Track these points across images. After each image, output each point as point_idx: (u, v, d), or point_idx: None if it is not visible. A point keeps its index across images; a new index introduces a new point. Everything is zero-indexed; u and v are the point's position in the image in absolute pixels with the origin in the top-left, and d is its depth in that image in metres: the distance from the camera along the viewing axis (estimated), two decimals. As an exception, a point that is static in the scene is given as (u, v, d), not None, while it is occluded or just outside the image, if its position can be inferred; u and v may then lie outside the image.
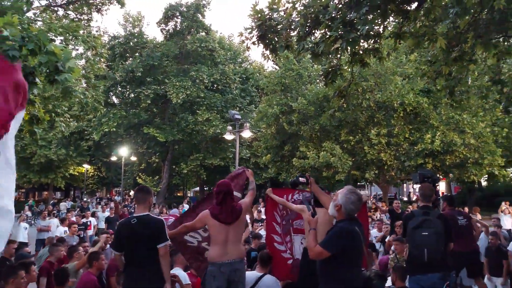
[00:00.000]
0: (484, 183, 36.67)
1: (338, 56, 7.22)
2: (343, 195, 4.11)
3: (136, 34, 36.68)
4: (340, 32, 6.01)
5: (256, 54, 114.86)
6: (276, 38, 6.95)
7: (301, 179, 5.13)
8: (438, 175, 22.81)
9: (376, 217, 14.14)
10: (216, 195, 5.33)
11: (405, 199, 44.95)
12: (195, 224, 5.43)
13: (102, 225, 17.46)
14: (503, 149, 22.70)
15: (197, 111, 33.75)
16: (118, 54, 35.65)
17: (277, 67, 33.58)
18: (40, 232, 14.63)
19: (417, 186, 47.30)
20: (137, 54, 35.94)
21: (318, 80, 28.84)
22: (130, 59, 36.20)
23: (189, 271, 6.76)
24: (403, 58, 23.06)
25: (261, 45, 6.99)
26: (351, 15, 6.12)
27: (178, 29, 36.48)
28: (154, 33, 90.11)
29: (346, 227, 4.03)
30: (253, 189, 5.86)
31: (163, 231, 5.06)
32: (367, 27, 5.84)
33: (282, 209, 6.43)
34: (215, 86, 36.25)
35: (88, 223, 15.57)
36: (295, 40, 6.69)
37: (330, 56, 6.61)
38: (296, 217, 6.40)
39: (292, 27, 6.92)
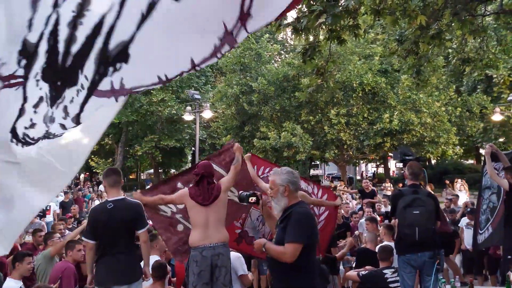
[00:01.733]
0: (433, 161, 37.92)
1: (317, 32, 7.02)
2: (281, 174, 3.69)
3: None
4: (323, 7, 5.81)
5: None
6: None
7: (251, 198, 4.21)
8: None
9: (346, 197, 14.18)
10: (195, 175, 5.09)
11: (358, 177, 45.84)
12: (173, 199, 5.18)
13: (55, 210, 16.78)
14: (456, 128, 23.41)
15: (151, 91, 32.80)
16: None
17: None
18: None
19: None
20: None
21: (274, 60, 28.73)
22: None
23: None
24: (360, 38, 23.14)
25: None
26: (334, -11, 5.91)
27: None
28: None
29: (308, 212, 3.69)
30: (235, 165, 5.41)
31: (143, 215, 4.79)
32: (353, 1, 5.66)
33: (253, 179, 6.21)
34: (170, 65, 35.30)
35: (48, 208, 14.78)
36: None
37: (311, 31, 6.40)
38: (263, 192, 6.23)
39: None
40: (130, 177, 50.06)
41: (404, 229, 5.33)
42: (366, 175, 44.39)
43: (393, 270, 5.80)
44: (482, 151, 34.51)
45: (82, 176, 52.98)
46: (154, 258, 5.81)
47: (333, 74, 19.57)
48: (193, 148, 36.05)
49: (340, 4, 5.82)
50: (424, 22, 6.57)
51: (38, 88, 1.94)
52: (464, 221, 9.20)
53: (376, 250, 6.22)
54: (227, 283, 4.98)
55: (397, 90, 21.96)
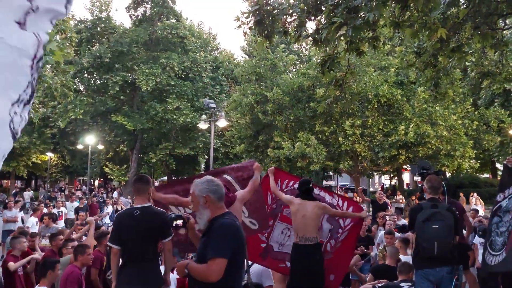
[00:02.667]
0: (448, 174, 37.52)
1: (335, 44, 7.05)
2: (200, 185, 3.40)
3: (103, 19, 35.55)
4: (344, 19, 5.83)
5: (226, 42, 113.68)
6: (272, 24, 6.72)
7: (176, 222, 3.98)
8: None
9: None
10: None
11: (372, 189, 45.60)
12: (188, 202, 5.05)
13: (71, 216, 17.00)
14: (472, 142, 23.16)
15: (167, 99, 33.11)
16: (84, 39, 34.46)
17: (247, 57, 33.29)
18: (6, 223, 14.01)
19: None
20: (104, 39, 34.86)
21: (288, 71, 28.76)
22: (97, 44, 35.10)
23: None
24: (378, 50, 23.07)
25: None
26: (355, 1, 5.92)
27: (147, 15, 35.57)
28: (122, 19, 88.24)
29: (232, 223, 3.29)
30: (254, 180, 5.43)
31: (168, 223, 4.78)
32: (374, 13, 5.66)
33: (274, 192, 6.28)
34: (185, 74, 35.67)
35: (60, 213, 14.94)
36: (295, 26, 6.47)
37: (330, 43, 6.42)
38: (287, 205, 6.27)
39: (290, 12, 6.69)
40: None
41: (422, 243, 5.27)
42: (383, 187, 44.15)
43: (410, 284, 5.73)
44: (498, 165, 34.14)
45: (96, 182, 53.50)
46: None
47: (350, 85, 19.47)
48: (206, 156, 36.20)
49: (360, 16, 5.83)
50: (444, 35, 6.54)
51: None
52: (479, 239, 9.06)
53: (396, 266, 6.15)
54: None
55: (413, 102, 21.80)
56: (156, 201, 5.25)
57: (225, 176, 5.70)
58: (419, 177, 6.57)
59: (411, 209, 5.80)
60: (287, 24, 6.61)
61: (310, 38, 6.31)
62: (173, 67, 32.70)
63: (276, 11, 6.59)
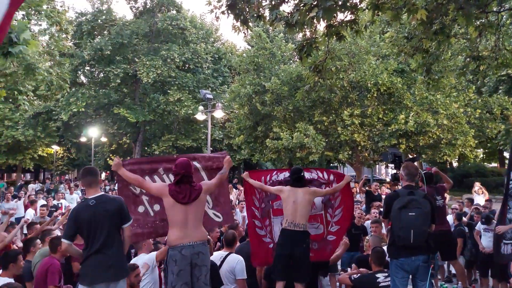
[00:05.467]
0: (455, 164, 37.08)
1: (313, 28, 6.82)
2: None
3: (104, 11, 35.46)
4: (315, 1, 5.62)
5: (229, 33, 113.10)
6: (247, 8, 6.51)
7: None
8: (411, 156, 22.76)
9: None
10: (174, 175, 5.00)
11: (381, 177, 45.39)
12: (150, 188, 5.08)
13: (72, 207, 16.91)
14: (476, 130, 22.77)
15: (168, 91, 33.02)
16: (85, 32, 34.44)
17: (249, 47, 33.00)
18: (5, 215, 14.03)
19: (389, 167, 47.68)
20: (105, 32, 34.78)
21: (292, 60, 28.45)
22: (99, 37, 35.05)
23: None
24: (377, 37, 22.79)
25: (231, 16, 6.55)
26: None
27: (148, 6, 35.46)
28: (123, 11, 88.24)
29: None
30: (222, 174, 5.39)
31: (126, 208, 4.69)
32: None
33: (260, 191, 6.30)
34: (187, 65, 35.49)
35: (59, 205, 14.93)
36: (268, 9, 6.25)
37: (305, 27, 6.20)
38: (276, 198, 6.24)
39: (264, -5, 6.48)
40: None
41: (398, 232, 5.05)
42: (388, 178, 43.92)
43: (386, 274, 5.57)
44: (506, 154, 33.65)
45: (104, 174, 53.64)
46: (142, 257, 5.74)
47: (331, 71, 18.88)
48: (211, 148, 36.19)
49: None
50: (424, 16, 6.28)
51: None
52: (482, 225, 8.83)
53: None
54: (208, 282, 4.87)
55: (414, 90, 21.45)
56: (119, 176, 5.18)
57: (195, 163, 5.69)
58: (393, 165, 6.35)
59: (387, 197, 5.58)
60: (261, 8, 6.39)
61: (283, 22, 6.08)
62: (173, 58, 32.56)
63: (250, -6, 6.38)
